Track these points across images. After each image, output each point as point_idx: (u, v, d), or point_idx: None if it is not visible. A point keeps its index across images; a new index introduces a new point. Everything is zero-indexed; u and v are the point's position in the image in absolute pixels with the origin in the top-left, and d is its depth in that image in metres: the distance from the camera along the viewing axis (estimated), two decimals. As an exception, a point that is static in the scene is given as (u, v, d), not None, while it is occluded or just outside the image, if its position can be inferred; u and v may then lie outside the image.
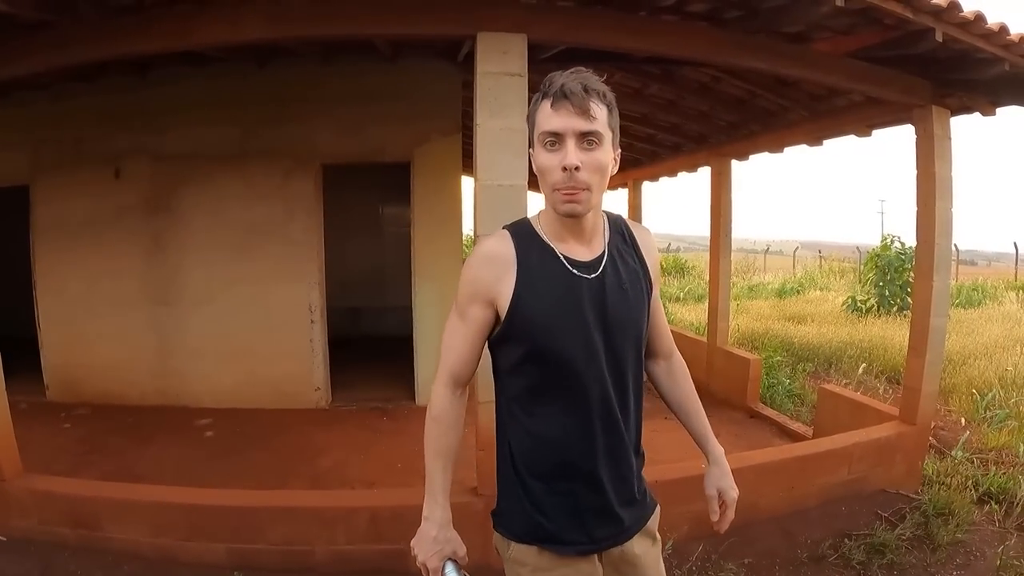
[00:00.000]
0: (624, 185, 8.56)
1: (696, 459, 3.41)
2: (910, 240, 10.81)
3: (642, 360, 1.37)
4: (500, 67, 2.70)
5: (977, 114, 3.87)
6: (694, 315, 10.53)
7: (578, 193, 1.18)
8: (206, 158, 5.07)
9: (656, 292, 1.40)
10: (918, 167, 3.82)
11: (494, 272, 1.26)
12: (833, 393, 4.59)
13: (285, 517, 2.92)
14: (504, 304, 1.25)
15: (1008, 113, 3.78)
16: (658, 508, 1.45)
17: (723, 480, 1.47)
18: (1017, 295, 12.09)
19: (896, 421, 3.89)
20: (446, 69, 4.98)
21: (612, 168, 1.24)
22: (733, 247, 6.30)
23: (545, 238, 1.28)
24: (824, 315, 10.23)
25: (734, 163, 6.08)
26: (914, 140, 3.83)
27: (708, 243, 6.46)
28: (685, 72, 4.81)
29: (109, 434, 4.61)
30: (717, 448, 1.50)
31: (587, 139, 1.17)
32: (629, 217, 8.42)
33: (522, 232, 1.30)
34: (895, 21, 2.85)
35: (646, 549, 1.40)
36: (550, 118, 1.17)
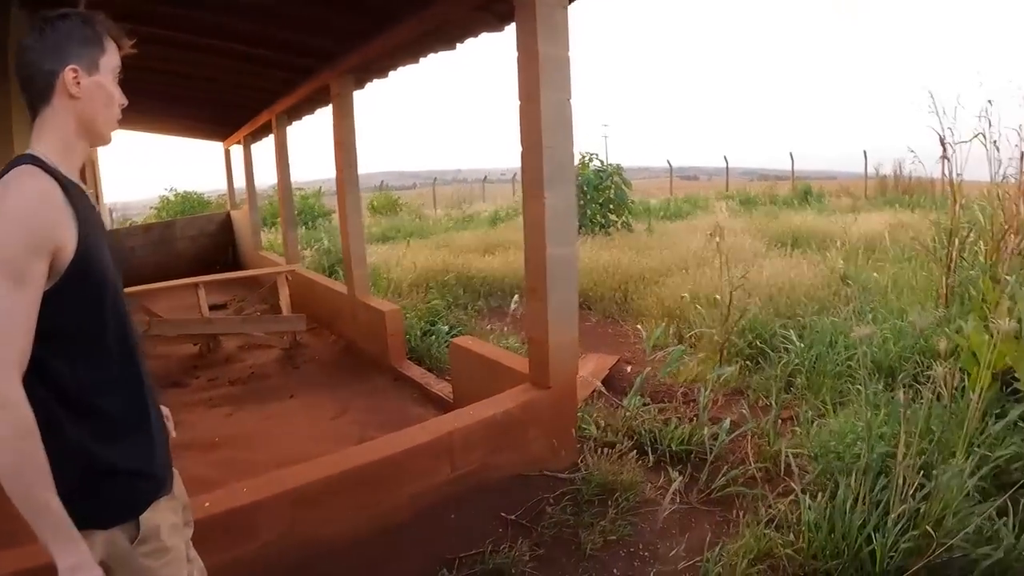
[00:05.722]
0: (268, 126, 6.84)
1: (294, 461, 2.39)
2: (622, 159, 12.38)
3: None
4: None
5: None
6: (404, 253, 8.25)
7: None
8: None
9: None
10: (518, 49, 2.76)
11: (55, 215, 1.04)
12: (464, 348, 3.54)
13: None
14: (70, 250, 1.04)
15: None
16: None
17: None
18: (727, 204, 12.81)
19: (527, 385, 2.92)
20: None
21: None
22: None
23: (66, 174, 1.11)
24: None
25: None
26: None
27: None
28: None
29: None
30: None
31: None
32: (277, 160, 6.77)
33: (48, 167, 1.06)
34: None
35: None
36: (117, 56, 1.19)
